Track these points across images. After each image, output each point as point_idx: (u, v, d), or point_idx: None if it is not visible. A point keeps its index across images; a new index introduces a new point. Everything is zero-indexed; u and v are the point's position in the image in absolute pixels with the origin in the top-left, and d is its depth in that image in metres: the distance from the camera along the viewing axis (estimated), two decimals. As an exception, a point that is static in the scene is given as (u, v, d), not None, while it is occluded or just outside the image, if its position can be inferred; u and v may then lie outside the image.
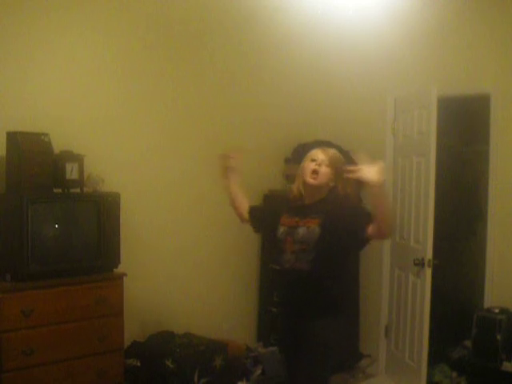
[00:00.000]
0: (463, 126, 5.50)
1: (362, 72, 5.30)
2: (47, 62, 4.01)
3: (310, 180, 3.15)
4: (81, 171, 3.82)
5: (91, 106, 4.21)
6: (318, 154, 3.21)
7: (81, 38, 4.15)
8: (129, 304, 3.98)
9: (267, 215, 3.38)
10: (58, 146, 3.78)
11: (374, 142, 5.27)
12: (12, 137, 3.64)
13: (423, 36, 4.96)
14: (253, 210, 3.41)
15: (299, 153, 5.36)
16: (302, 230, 3.06)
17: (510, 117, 4.60)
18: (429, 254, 4.44)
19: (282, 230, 3.15)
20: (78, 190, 3.84)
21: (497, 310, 4.38)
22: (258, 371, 4.55)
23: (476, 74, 4.75)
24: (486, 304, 4.62)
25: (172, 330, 4.49)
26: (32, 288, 3.54)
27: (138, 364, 4.12)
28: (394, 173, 5.12)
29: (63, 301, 3.64)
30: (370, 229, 2.91)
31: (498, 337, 4.28)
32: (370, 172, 2.89)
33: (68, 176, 3.75)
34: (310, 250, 3.02)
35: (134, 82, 4.45)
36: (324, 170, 3.15)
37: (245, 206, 3.42)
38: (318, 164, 3.16)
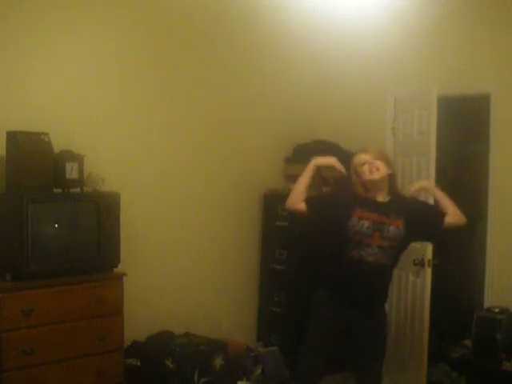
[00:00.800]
0: (463, 126, 5.50)
1: (362, 72, 5.30)
2: (47, 62, 4.01)
3: (372, 177, 3.33)
4: (81, 171, 3.82)
5: (91, 106, 4.21)
6: (362, 157, 3.39)
7: (81, 38, 4.15)
8: (129, 304, 3.98)
9: (333, 206, 3.46)
10: (58, 145, 3.78)
11: (374, 142, 5.24)
12: (12, 136, 3.64)
13: (423, 36, 4.96)
14: (311, 200, 3.46)
15: (299, 152, 5.38)
16: (392, 229, 3.29)
17: (510, 117, 4.59)
18: (429, 254, 4.44)
19: (366, 224, 3.29)
20: (78, 190, 3.84)
21: (497, 310, 4.38)
22: (258, 371, 4.55)
23: (476, 73, 4.74)
24: (486, 304, 4.62)
25: (172, 330, 4.49)
26: (32, 288, 3.54)
27: (138, 364, 4.12)
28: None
29: (63, 300, 3.64)
30: (447, 221, 3.39)
31: (498, 336, 4.28)
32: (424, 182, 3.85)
33: (68, 176, 3.75)
34: (396, 247, 3.33)
35: (134, 82, 4.45)
36: (379, 165, 3.34)
37: (301, 197, 3.46)
38: (369, 163, 3.34)
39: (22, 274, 3.53)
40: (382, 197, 3.38)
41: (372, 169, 3.33)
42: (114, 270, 3.94)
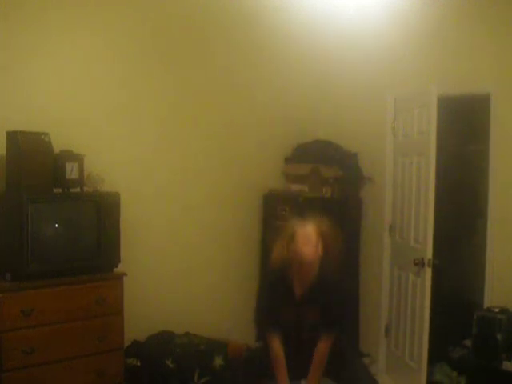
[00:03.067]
0: (463, 125, 5.50)
1: (362, 71, 5.30)
2: (47, 62, 4.01)
3: (307, 258, 3.40)
4: (81, 171, 3.82)
5: (91, 106, 4.21)
6: (305, 232, 3.42)
7: (81, 38, 4.15)
8: (129, 304, 3.98)
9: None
10: (58, 145, 3.78)
11: (374, 142, 5.27)
12: (12, 136, 3.64)
13: (423, 36, 4.96)
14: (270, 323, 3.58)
15: (299, 152, 5.38)
16: (310, 323, 3.45)
17: (510, 117, 4.59)
18: (429, 254, 4.44)
19: (289, 319, 3.49)
20: (78, 190, 3.85)
21: (497, 310, 4.38)
22: (258, 371, 4.55)
23: (476, 73, 4.74)
24: (486, 304, 4.62)
25: (172, 330, 4.49)
26: (32, 288, 3.54)
27: (138, 364, 4.12)
28: (394, 172, 5.12)
29: (63, 300, 3.64)
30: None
31: (498, 336, 4.28)
32: None
33: (68, 175, 3.75)
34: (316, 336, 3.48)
35: (134, 82, 4.45)
36: (317, 253, 3.43)
37: None
38: (313, 244, 3.41)
39: (22, 274, 3.53)
40: (305, 283, 3.47)
41: (308, 246, 3.41)
42: (114, 270, 3.94)
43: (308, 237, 3.41)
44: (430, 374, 4.58)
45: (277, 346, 3.46)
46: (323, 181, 5.04)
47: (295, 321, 3.47)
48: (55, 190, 3.77)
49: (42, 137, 3.70)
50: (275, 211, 5.14)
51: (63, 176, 3.74)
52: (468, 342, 4.60)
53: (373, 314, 5.23)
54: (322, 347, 3.44)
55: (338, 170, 5.13)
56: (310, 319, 3.45)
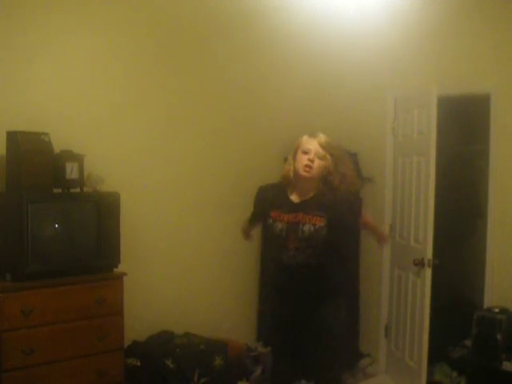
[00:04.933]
0: (463, 125, 5.50)
1: (362, 71, 5.30)
2: (47, 62, 4.00)
3: (303, 173, 3.19)
4: (81, 171, 3.82)
5: (91, 106, 4.21)
6: (310, 145, 3.23)
7: (81, 38, 4.15)
8: (129, 304, 3.98)
9: (258, 210, 3.44)
10: (58, 145, 3.78)
11: (374, 142, 5.27)
12: (12, 136, 3.63)
13: (423, 36, 4.96)
14: (252, 219, 3.51)
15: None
16: (307, 228, 3.11)
17: (510, 117, 4.59)
18: (429, 254, 4.44)
19: (279, 226, 3.18)
20: (77, 190, 3.84)
21: (497, 310, 4.38)
22: (258, 371, 4.55)
23: (476, 73, 4.74)
24: (486, 304, 4.62)
25: (172, 330, 4.48)
26: (32, 288, 3.53)
27: (138, 364, 4.12)
28: (394, 172, 5.12)
29: (63, 300, 3.64)
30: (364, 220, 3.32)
31: (498, 337, 4.28)
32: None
33: (68, 176, 3.75)
34: (316, 246, 3.12)
35: (134, 82, 4.45)
36: (317, 164, 3.18)
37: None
38: (311, 158, 3.18)
39: (22, 274, 3.53)
40: (305, 193, 3.25)
41: (309, 166, 3.19)
42: (114, 270, 3.94)
43: (307, 153, 3.23)
44: (430, 374, 4.59)
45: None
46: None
47: (287, 226, 3.18)
48: (55, 190, 3.77)
49: (42, 137, 3.70)
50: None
51: (63, 176, 3.74)
52: (468, 342, 4.61)
53: (373, 314, 5.23)
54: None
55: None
56: (307, 223, 3.15)
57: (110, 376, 3.83)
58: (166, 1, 4.60)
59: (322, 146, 3.23)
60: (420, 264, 4.51)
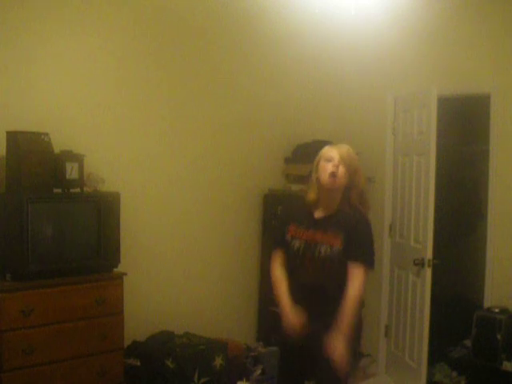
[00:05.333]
0: (463, 125, 5.50)
1: (363, 71, 5.30)
2: (47, 62, 4.00)
3: (328, 182, 3.02)
4: (81, 171, 3.81)
5: (91, 106, 4.21)
6: (334, 153, 3.05)
7: (81, 38, 4.15)
8: (129, 304, 3.98)
9: (279, 226, 3.28)
10: (58, 145, 3.78)
11: (374, 142, 5.27)
12: (12, 136, 3.63)
13: (423, 36, 4.97)
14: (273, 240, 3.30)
15: (299, 153, 5.38)
16: (324, 249, 3.02)
17: (510, 117, 4.59)
18: (429, 254, 4.44)
19: (297, 243, 3.08)
20: (78, 190, 3.84)
21: (497, 310, 4.38)
22: (258, 371, 4.55)
23: (476, 73, 4.74)
24: (486, 304, 4.62)
25: (172, 330, 4.49)
26: (32, 288, 3.54)
27: (138, 364, 4.12)
28: (394, 172, 5.12)
29: (63, 300, 3.64)
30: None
31: (498, 337, 4.28)
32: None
33: (68, 176, 3.75)
34: (330, 267, 3.03)
35: (134, 82, 4.45)
36: (341, 172, 3.01)
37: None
38: (335, 165, 3.01)
39: (22, 274, 3.53)
40: (329, 208, 3.08)
41: (334, 173, 2.99)
42: (114, 270, 3.94)
43: (331, 160, 3.01)
44: (430, 374, 4.59)
45: (277, 266, 3.16)
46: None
47: (305, 246, 3.07)
48: (55, 190, 3.77)
49: (42, 137, 3.70)
50: (275, 211, 5.14)
51: (63, 176, 3.74)
52: (468, 342, 4.61)
53: (373, 314, 5.23)
54: (354, 280, 2.94)
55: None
56: (324, 244, 3.02)
57: (109, 376, 3.83)
58: (168, 2, 4.60)
59: (346, 157, 3.03)
60: (420, 264, 4.51)
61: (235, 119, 5.08)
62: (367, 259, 3.05)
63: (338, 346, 2.93)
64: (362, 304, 3.07)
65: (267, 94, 5.25)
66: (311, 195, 3.11)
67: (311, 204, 3.12)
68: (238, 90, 5.09)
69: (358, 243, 3.03)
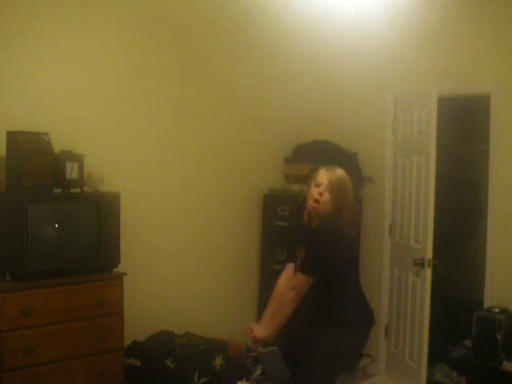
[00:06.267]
0: (463, 125, 5.50)
1: (362, 71, 5.30)
2: (47, 62, 4.00)
3: (310, 207, 3.19)
4: (81, 171, 3.81)
5: (91, 106, 4.21)
6: (323, 178, 3.17)
7: (81, 38, 4.15)
8: (129, 304, 3.98)
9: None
10: (58, 145, 3.78)
11: (374, 142, 5.28)
12: (12, 136, 3.63)
13: (423, 36, 4.96)
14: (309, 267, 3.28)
15: (299, 152, 5.38)
16: (299, 262, 3.22)
17: (510, 117, 4.59)
18: (429, 254, 4.44)
19: (297, 262, 3.28)
20: (78, 190, 3.84)
21: (497, 310, 4.38)
22: (258, 371, 4.55)
23: (476, 73, 4.74)
24: (486, 304, 4.62)
25: (172, 330, 4.49)
26: (32, 288, 3.54)
27: (138, 364, 4.12)
28: (394, 172, 5.12)
29: (63, 300, 3.64)
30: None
31: (498, 337, 4.28)
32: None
33: (68, 176, 3.75)
34: None
35: (134, 82, 4.45)
36: (325, 198, 3.13)
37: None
38: (320, 192, 3.13)
39: (22, 274, 3.53)
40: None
41: (317, 200, 3.12)
42: (114, 270, 3.94)
43: (319, 186, 3.13)
44: (430, 374, 4.59)
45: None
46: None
47: (299, 263, 3.25)
48: (55, 190, 3.77)
49: (42, 137, 3.70)
50: (275, 211, 5.15)
51: (63, 176, 3.74)
52: (468, 342, 4.61)
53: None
54: (297, 282, 3.13)
55: (337, 170, 5.12)
56: (300, 257, 3.23)
57: (109, 376, 3.83)
58: (168, 2, 4.60)
59: (333, 183, 3.14)
60: (420, 264, 4.51)
61: (235, 119, 5.08)
62: (306, 267, 3.15)
63: (254, 329, 3.27)
64: (295, 305, 3.16)
65: (267, 94, 5.25)
66: (304, 216, 3.30)
67: (306, 224, 3.29)
68: (238, 90, 5.09)
69: (306, 252, 3.19)
